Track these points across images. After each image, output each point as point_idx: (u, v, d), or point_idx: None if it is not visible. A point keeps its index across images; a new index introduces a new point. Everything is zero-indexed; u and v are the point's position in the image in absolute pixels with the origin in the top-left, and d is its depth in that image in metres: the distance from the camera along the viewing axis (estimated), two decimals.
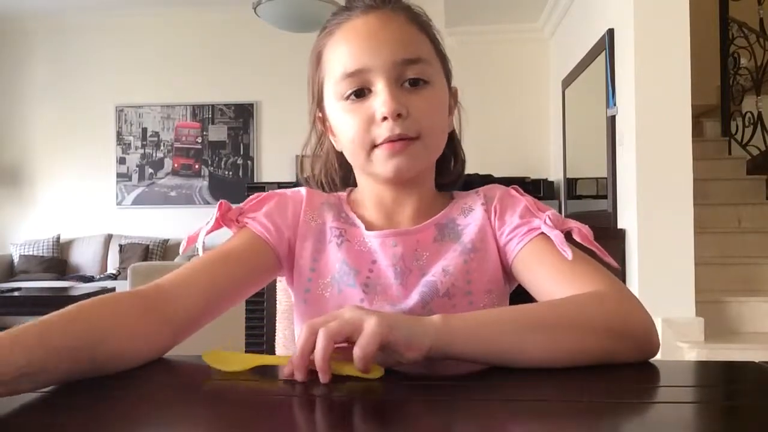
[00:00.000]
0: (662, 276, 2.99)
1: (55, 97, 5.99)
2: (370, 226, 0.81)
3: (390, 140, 0.73)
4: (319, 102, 0.81)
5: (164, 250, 5.57)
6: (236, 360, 0.59)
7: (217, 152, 5.94)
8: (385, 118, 0.72)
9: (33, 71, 6.01)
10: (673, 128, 3.02)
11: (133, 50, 5.93)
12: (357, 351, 0.53)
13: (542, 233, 0.74)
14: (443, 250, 0.78)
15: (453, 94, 0.83)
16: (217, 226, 0.78)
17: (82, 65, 5.96)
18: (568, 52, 4.71)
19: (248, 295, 0.78)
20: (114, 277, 5.28)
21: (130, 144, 6.02)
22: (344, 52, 0.75)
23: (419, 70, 0.74)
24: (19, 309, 4.31)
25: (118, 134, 6.01)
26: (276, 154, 5.80)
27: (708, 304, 3.05)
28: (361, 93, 0.75)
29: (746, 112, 4.30)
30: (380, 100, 0.73)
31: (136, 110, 6.00)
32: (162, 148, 6.00)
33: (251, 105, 5.91)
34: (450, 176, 0.86)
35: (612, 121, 3.51)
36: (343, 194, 0.85)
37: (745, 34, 4.32)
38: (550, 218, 0.74)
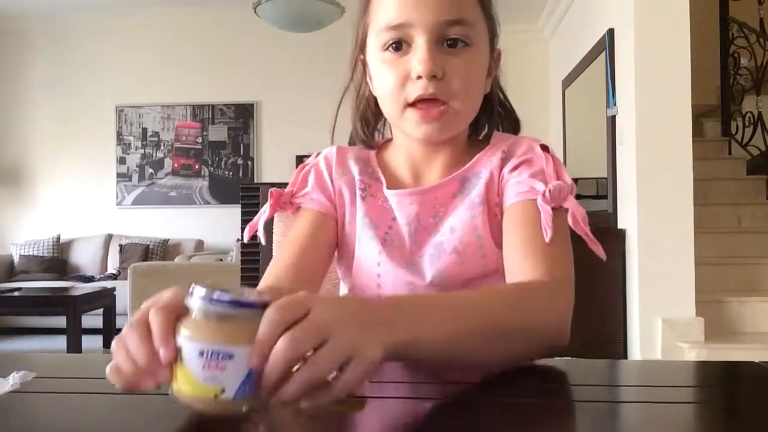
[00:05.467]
0: (662, 276, 2.99)
1: (55, 97, 5.98)
2: (395, 184, 0.83)
3: (422, 99, 0.74)
4: (362, 47, 0.83)
5: (164, 250, 5.56)
6: None
7: (217, 152, 5.94)
8: (420, 77, 0.73)
9: (33, 71, 6.00)
10: (673, 128, 3.02)
11: (133, 50, 5.92)
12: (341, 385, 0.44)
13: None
14: (460, 206, 0.80)
15: (496, 57, 0.84)
16: (272, 212, 0.84)
17: (82, 65, 5.96)
18: (568, 52, 4.71)
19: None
20: (114, 277, 5.28)
21: (130, 144, 6.02)
22: (391, 4, 0.76)
23: (461, 32, 0.75)
24: (19, 309, 4.32)
25: (118, 134, 6.01)
26: (276, 154, 5.79)
27: (708, 304, 3.05)
28: (400, 46, 0.76)
29: (746, 112, 4.30)
30: (417, 58, 0.74)
31: (136, 110, 5.99)
32: (162, 148, 6.00)
33: (251, 105, 5.90)
34: (482, 133, 0.88)
35: (612, 121, 3.51)
36: (373, 151, 0.88)
37: (745, 34, 4.32)
38: (550, 191, 0.73)
